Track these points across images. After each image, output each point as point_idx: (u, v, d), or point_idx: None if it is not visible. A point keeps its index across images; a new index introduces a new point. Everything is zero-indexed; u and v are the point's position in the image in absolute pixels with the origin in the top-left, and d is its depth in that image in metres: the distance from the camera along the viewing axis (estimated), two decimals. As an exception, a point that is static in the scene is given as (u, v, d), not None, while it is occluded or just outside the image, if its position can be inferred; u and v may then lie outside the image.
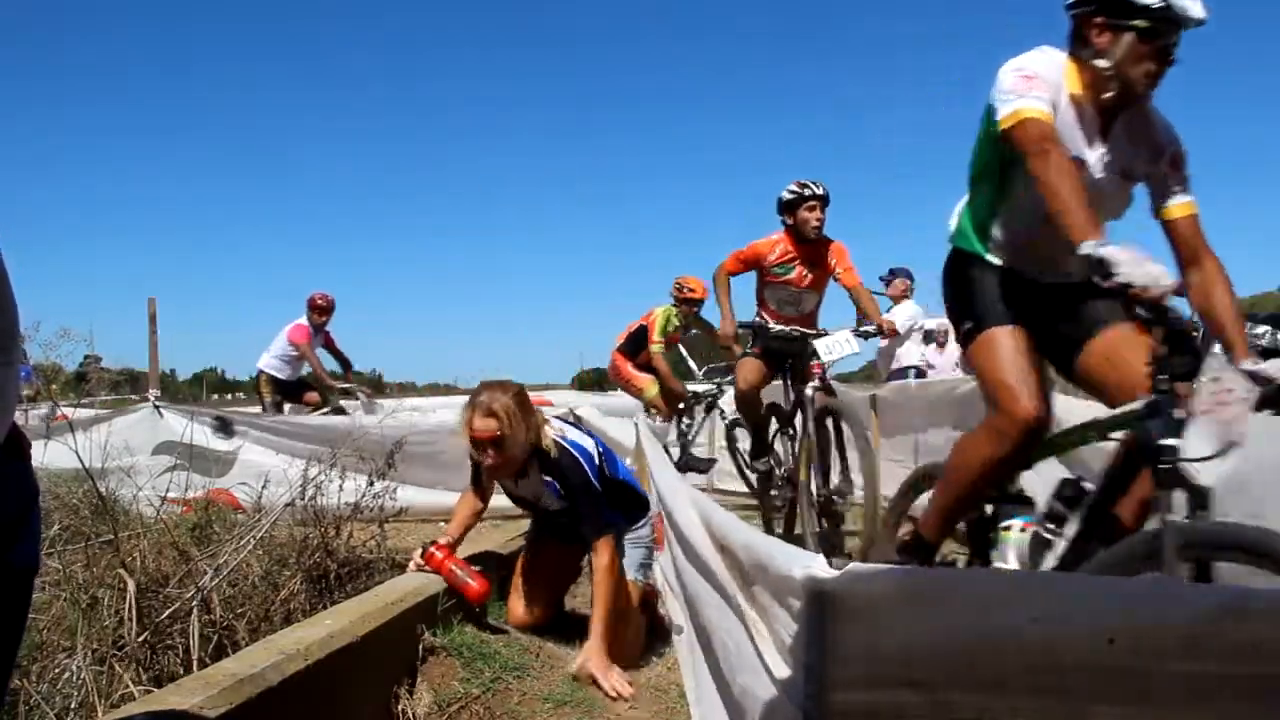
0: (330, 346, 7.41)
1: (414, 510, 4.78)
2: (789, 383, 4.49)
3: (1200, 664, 0.87)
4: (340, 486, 3.34)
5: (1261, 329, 5.89)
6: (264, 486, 3.28)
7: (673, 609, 2.90)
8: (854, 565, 0.95)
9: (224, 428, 5.54)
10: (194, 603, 2.30)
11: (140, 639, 2.11)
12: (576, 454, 2.84)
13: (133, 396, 5.67)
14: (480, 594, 2.76)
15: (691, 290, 6.54)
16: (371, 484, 3.46)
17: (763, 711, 1.14)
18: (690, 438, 6.82)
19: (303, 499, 3.19)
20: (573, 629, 3.08)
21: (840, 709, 0.95)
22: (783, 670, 1.06)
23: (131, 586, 2.16)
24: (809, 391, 4.07)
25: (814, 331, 4.29)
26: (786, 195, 4.36)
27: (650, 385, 6.72)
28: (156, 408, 5.56)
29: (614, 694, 2.50)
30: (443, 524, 4.93)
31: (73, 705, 1.88)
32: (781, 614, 1.06)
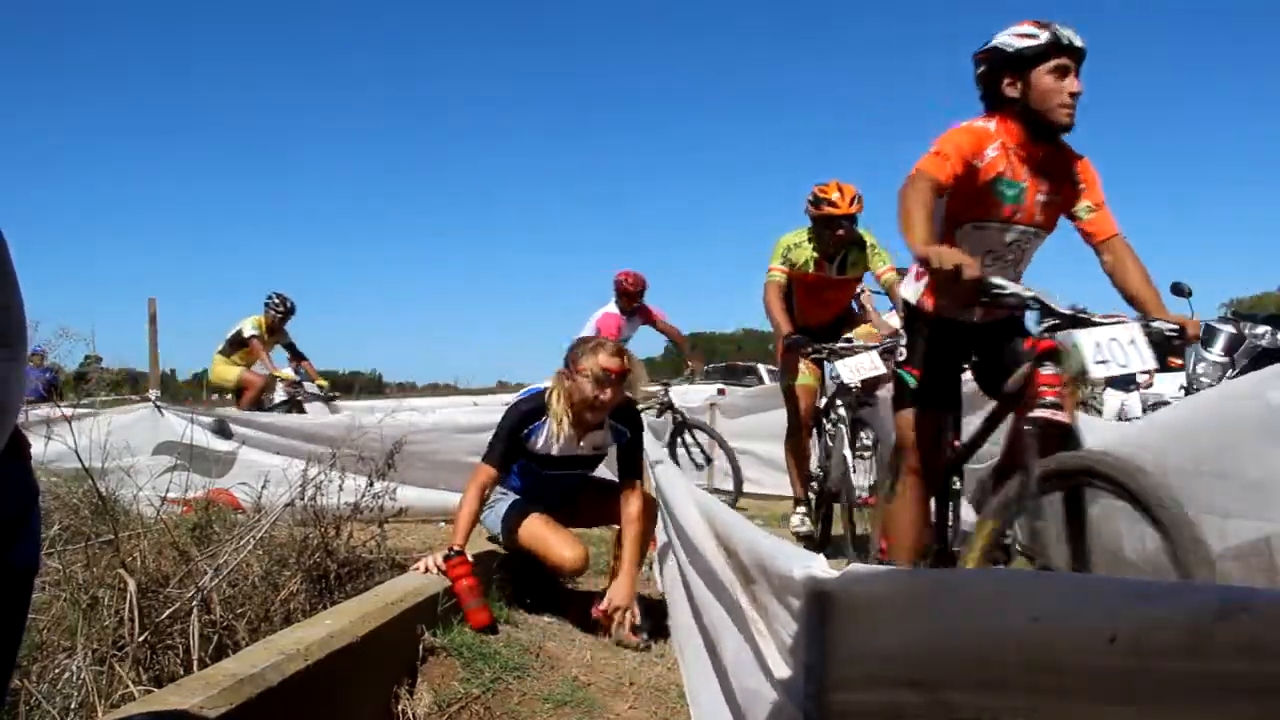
0: (653, 323, 6.53)
1: (414, 510, 4.78)
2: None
3: (1201, 664, 0.86)
4: (340, 486, 3.33)
5: (1261, 329, 5.91)
6: (264, 486, 3.28)
7: (672, 608, 2.91)
8: (854, 565, 0.95)
9: (221, 430, 5.54)
10: (194, 603, 2.30)
11: (140, 639, 2.10)
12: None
13: (133, 397, 5.67)
14: (482, 624, 2.80)
15: (830, 205, 3.99)
16: (371, 484, 3.46)
17: (763, 711, 1.14)
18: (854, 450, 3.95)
19: (303, 499, 3.19)
20: (573, 626, 3.09)
21: (840, 709, 0.95)
22: (783, 670, 1.06)
23: (132, 586, 2.16)
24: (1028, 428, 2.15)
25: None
26: (1016, 43, 2.39)
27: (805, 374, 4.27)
28: (157, 408, 5.56)
29: (626, 631, 2.89)
30: (443, 523, 4.96)
31: (73, 705, 1.88)
32: (782, 614, 1.06)
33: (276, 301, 7.63)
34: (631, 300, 6.41)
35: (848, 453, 3.87)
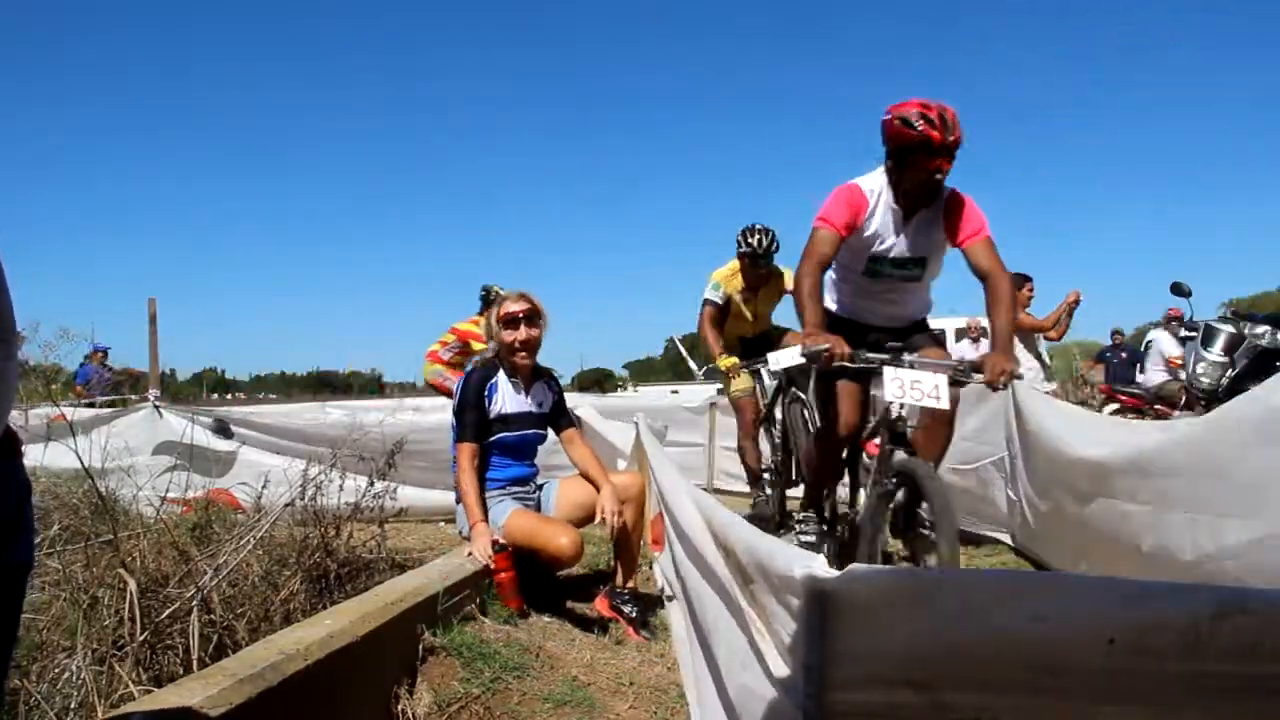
0: (958, 235, 3.15)
1: (414, 510, 4.78)
2: None
3: (1200, 664, 0.87)
4: (340, 486, 3.34)
5: (1261, 329, 5.90)
6: (264, 486, 3.28)
7: (671, 607, 2.91)
8: (854, 566, 0.95)
9: (222, 429, 5.54)
10: (194, 603, 2.29)
11: (140, 639, 2.10)
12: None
13: (132, 397, 5.68)
14: (516, 608, 2.99)
15: None
16: (371, 484, 3.46)
17: (762, 711, 1.14)
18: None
19: (303, 499, 3.19)
20: (573, 626, 3.09)
21: (840, 709, 0.95)
22: (783, 670, 1.06)
23: (133, 586, 2.16)
24: None
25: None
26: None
27: None
28: (156, 408, 5.57)
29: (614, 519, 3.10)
30: (443, 524, 4.96)
31: (73, 705, 1.87)
32: (782, 613, 1.06)
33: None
34: (918, 171, 2.94)
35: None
